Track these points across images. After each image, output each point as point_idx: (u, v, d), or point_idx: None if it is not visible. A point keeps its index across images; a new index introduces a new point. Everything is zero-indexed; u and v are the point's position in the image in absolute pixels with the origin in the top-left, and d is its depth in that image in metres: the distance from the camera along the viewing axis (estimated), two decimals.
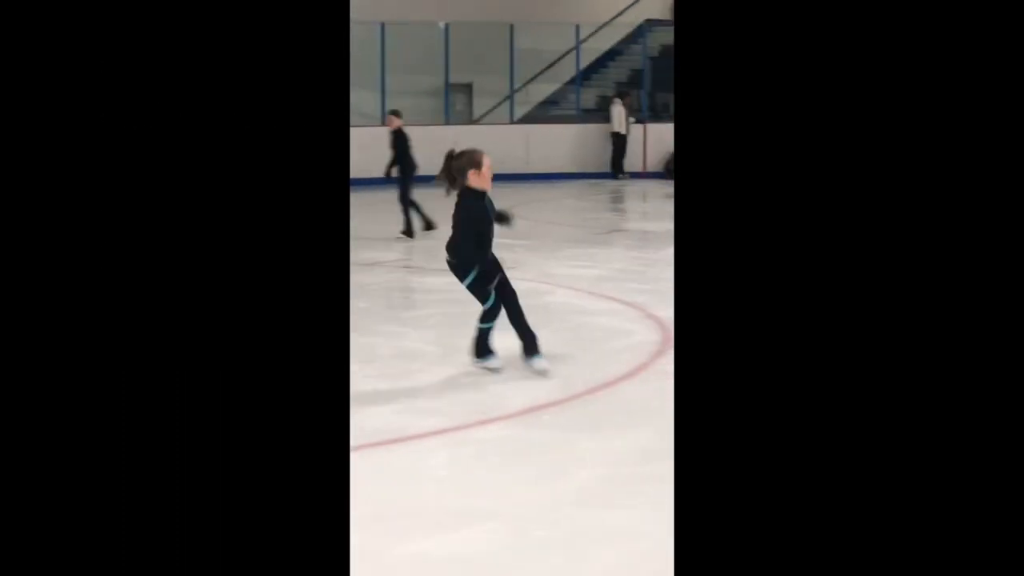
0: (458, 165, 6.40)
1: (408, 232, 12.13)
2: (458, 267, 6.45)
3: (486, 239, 6.41)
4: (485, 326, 6.50)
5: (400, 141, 12.31)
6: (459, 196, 6.44)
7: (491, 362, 6.55)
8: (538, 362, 6.47)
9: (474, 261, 6.37)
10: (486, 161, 6.37)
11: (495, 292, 6.43)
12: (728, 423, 2.48)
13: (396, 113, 12.73)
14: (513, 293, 6.51)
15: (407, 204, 12.20)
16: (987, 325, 2.44)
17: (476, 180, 6.34)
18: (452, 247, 6.45)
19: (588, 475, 4.86)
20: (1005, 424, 2.42)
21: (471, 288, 6.45)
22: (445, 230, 6.69)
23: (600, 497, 4.59)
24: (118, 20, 2.51)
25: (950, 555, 2.41)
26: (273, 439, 2.52)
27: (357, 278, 9.74)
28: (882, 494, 2.44)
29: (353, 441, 5.21)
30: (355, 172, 20.23)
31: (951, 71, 2.47)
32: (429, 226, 12.04)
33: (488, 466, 5.05)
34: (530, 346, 6.50)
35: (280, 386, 2.53)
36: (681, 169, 2.58)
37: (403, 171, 12.27)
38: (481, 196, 6.38)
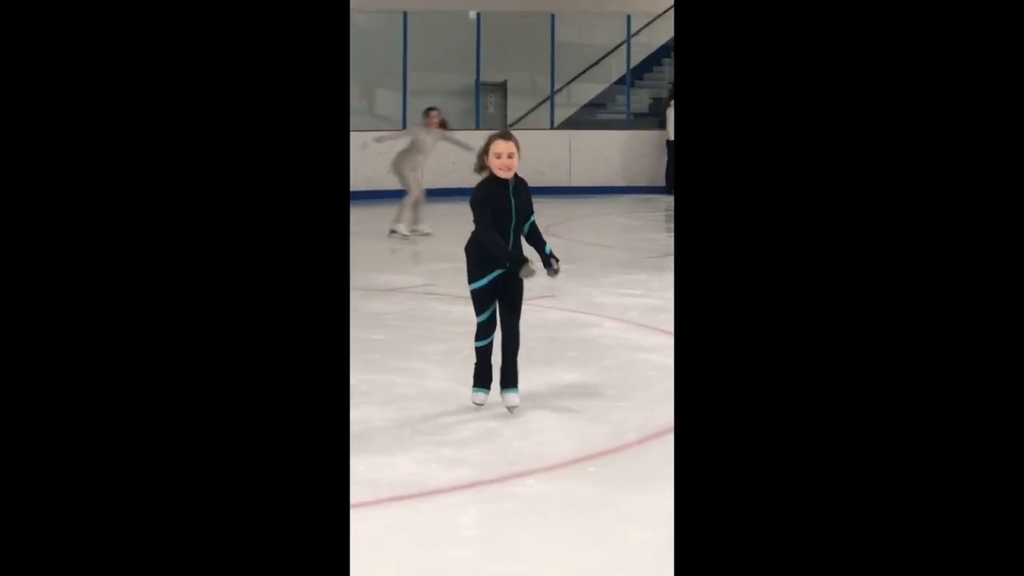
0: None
1: None
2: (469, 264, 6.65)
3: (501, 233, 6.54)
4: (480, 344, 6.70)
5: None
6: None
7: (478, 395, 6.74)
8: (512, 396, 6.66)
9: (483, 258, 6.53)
10: (494, 147, 6.56)
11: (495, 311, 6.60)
12: (728, 440, 2.83)
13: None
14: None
15: None
16: (985, 337, 2.73)
17: (492, 164, 6.55)
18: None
19: (638, 537, 4.87)
20: (1005, 424, 2.72)
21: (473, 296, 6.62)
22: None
23: (652, 564, 4.58)
24: (118, 19, 2.80)
25: (950, 555, 2.72)
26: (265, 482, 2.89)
27: (373, 306, 9.82)
28: (881, 496, 2.75)
29: (368, 495, 5.27)
30: (367, 183, 20.13)
31: (948, 87, 2.71)
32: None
33: (524, 526, 5.05)
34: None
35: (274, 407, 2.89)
36: (682, 176, 2.93)
37: None
38: (498, 183, 6.55)
